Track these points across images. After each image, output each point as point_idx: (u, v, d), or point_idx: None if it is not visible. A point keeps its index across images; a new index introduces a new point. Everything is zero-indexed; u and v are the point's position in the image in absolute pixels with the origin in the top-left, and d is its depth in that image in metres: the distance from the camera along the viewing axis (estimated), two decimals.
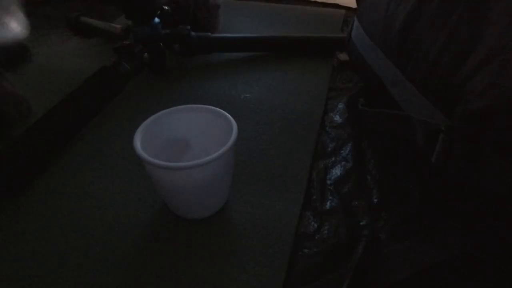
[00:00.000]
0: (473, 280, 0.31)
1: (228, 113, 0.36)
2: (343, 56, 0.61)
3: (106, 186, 0.39)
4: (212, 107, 0.37)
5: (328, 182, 0.41)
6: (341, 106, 0.51)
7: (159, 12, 0.55)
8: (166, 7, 0.58)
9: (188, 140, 0.38)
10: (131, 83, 0.50)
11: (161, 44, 0.55)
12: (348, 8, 0.77)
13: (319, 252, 0.34)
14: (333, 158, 0.43)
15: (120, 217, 0.36)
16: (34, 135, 0.41)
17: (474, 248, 0.33)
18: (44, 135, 0.42)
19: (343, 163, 0.43)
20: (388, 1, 0.40)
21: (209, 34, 0.59)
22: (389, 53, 0.39)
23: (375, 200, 0.38)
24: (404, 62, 0.36)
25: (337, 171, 0.42)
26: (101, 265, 0.32)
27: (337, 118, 0.49)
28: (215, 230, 0.35)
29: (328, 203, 0.38)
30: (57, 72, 0.57)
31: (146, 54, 0.53)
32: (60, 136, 0.43)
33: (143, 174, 0.40)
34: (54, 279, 0.31)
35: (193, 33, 0.57)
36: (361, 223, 0.36)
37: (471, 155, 0.29)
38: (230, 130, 0.34)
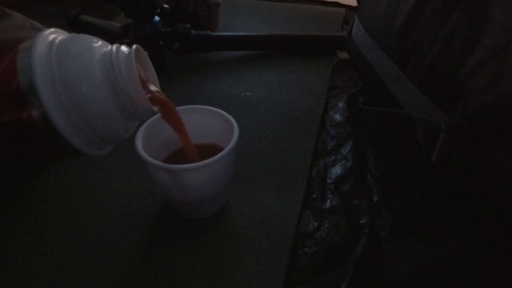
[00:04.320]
0: (473, 279, 0.32)
1: (228, 112, 0.36)
2: (343, 55, 0.61)
3: (107, 186, 0.39)
4: (214, 108, 0.37)
5: (328, 180, 0.41)
6: (341, 104, 0.51)
7: (159, 10, 0.55)
8: (166, 5, 0.58)
9: None
10: None
11: (161, 42, 0.55)
12: (348, 7, 0.77)
13: (319, 250, 0.34)
14: (333, 157, 0.43)
15: (121, 217, 0.36)
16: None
17: (475, 247, 0.33)
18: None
19: (343, 161, 0.43)
20: None
21: (209, 32, 0.59)
22: (389, 51, 0.39)
23: (375, 198, 0.38)
24: (404, 61, 0.36)
25: (337, 170, 0.42)
26: (102, 264, 0.32)
27: (337, 116, 0.49)
28: (216, 230, 0.35)
29: (328, 201, 0.38)
30: None
31: (145, 53, 0.53)
32: None
33: (144, 174, 0.40)
34: (54, 278, 0.31)
35: (193, 32, 0.57)
36: (361, 222, 0.36)
37: (472, 154, 0.29)
38: (231, 130, 0.34)
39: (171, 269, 0.32)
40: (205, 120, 0.37)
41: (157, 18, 0.54)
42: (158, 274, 0.32)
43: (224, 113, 0.36)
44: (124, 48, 0.28)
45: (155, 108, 0.31)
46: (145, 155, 0.31)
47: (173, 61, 0.59)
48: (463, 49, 0.30)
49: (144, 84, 0.30)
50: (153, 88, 0.31)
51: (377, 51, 0.41)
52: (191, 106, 0.37)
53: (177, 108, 0.36)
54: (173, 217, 0.36)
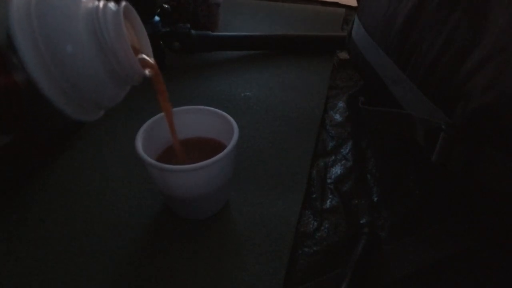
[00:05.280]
0: (473, 279, 0.31)
1: (228, 112, 0.36)
2: (343, 55, 0.61)
3: (107, 186, 0.39)
4: (214, 109, 0.37)
5: (328, 180, 0.41)
6: (341, 104, 0.51)
7: (158, 10, 0.55)
8: (166, 5, 0.58)
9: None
10: None
11: (161, 42, 0.55)
12: (348, 7, 0.77)
13: (319, 250, 0.34)
14: (333, 157, 0.43)
15: (121, 217, 0.36)
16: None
17: (475, 247, 0.33)
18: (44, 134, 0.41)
19: (343, 161, 0.43)
20: None
21: (209, 32, 0.59)
22: (389, 51, 0.39)
23: (375, 198, 0.38)
24: (404, 61, 0.36)
25: (337, 170, 0.42)
26: (102, 264, 0.32)
27: (337, 116, 0.49)
28: (216, 230, 0.35)
29: (328, 201, 0.38)
30: None
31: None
32: (60, 135, 0.43)
33: (144, 174, 0.40)
34: (54, 278, 0.31)
35: (193, 32, 0.57)
36: (361, 222, 0.36)
37: (472, 154, 0.29)
38: (231, 131, 0.34)
39: (171, 269, 0.32)
40: (205, 121, 0.37)
41: (157, 18, 0.54)
42: (158, 274, 0.32)
43: (224, 113, 0.36)
44: (112, 4, 0.26)
45: (146, 72, 0.28)
46: (144, 155, 0.31)
47: (173, 61, 0.59)
48: (463, 49, 0.30)
49: (134, 46, 0.28)
50: (143, 51, 0.29)
51: (377, 51, 0.41)
52: (191, 106, 0.37)
53: (177, 109, 0.36)
54: (173, 217, 0.36)
